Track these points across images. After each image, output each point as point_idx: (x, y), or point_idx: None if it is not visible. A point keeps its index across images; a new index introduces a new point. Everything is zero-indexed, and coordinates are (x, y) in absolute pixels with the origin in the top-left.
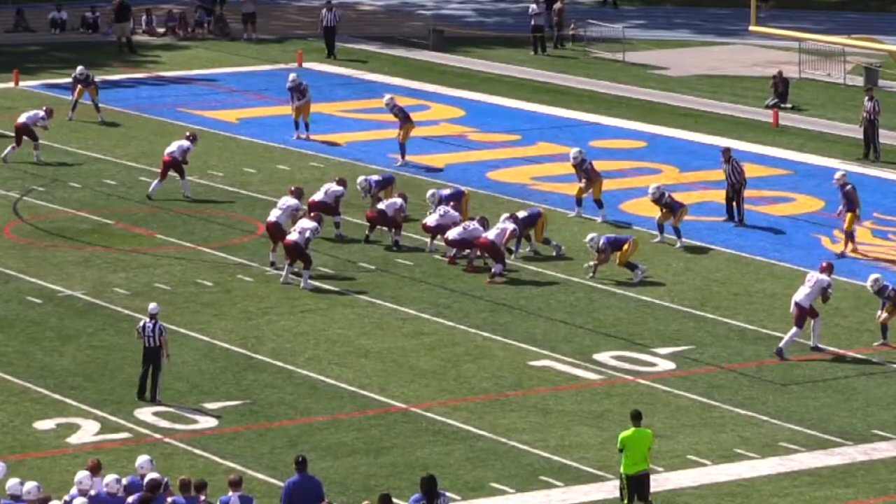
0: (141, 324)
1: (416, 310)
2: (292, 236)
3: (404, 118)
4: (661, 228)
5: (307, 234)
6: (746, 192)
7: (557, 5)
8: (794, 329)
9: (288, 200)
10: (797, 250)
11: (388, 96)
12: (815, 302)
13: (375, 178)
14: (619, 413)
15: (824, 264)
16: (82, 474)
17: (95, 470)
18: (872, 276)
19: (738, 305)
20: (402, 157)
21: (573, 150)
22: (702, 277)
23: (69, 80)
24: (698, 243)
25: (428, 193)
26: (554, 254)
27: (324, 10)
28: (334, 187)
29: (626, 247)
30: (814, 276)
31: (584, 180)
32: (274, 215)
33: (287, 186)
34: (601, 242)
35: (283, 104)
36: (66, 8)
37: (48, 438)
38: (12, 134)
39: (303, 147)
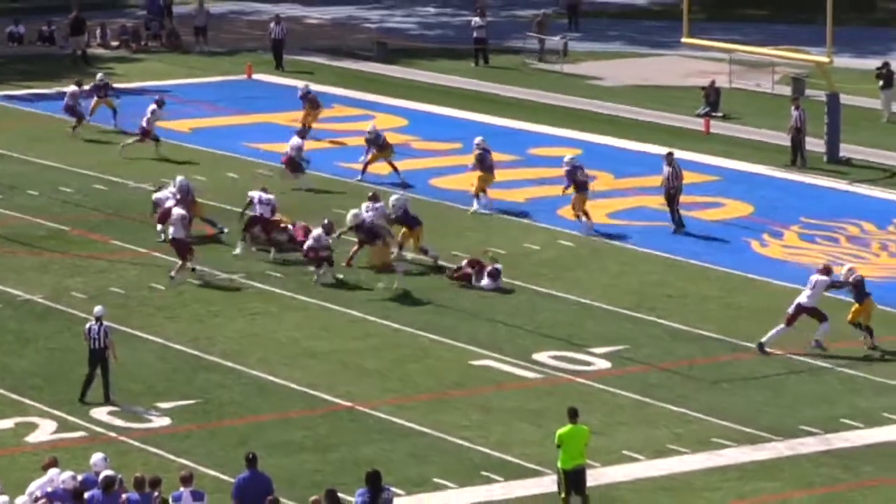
0: (87, 326)
1: (363, 312)
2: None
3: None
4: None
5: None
6: (680, 198)
7: (538, 19)
8: (781, 326)
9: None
10: (728, 254)
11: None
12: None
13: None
14: (558, 411)
15: (822, 266)
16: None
17: (51, 467)
18: (847, 266)
19: (671, 307)
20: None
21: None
22: (636, 280)
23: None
24: (632, 247)
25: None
26: (431, 262)
27: (272, 24)
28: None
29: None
30: (813, 279)
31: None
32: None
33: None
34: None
35: (233, 114)
36: (23, 22)
37: (7, 437)
38: None
39: (252, 155)
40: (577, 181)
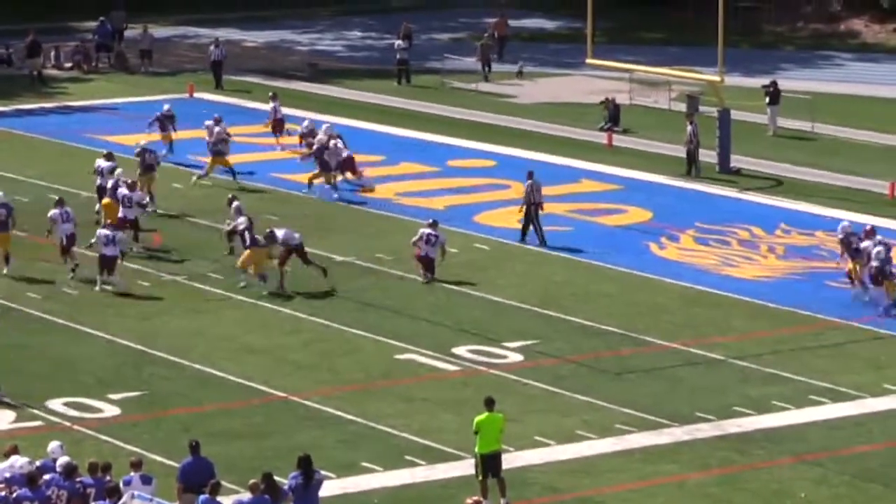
0: None
1: (294, 310)
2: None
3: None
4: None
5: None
6: (583, 205)
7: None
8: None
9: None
10: (628, 255)
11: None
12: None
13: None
14: (475, 400)
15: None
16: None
17: (11, 454)
18: (842, 223)
19: (577, 305)
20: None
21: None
22: (544, 280)
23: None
24: (541, 250)
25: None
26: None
27: (212, 47)
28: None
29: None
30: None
31: None
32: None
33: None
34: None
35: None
36: None
37: None
38: None
39: (194, 166)
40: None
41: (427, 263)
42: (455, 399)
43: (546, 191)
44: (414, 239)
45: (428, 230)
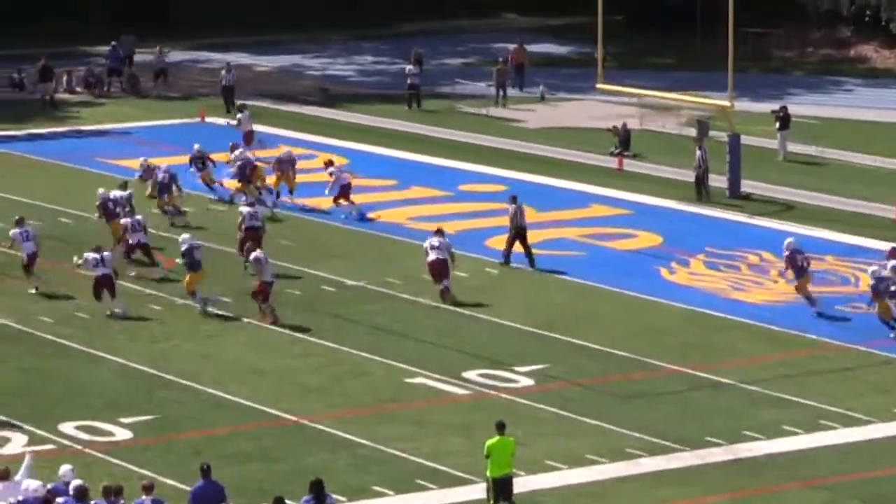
0: None
1: (305, 334)
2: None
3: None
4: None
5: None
6: (593, 230)
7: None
8: None
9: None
10: (638, 280)
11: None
12: None
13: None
14: (485, 424)
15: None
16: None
17: (5, 477)
18: (787, 240)
19: (586, 328)
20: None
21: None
22: (555, 304)
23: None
24: (553, 275)
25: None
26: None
27: (223, 72)
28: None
29: None
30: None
31: None
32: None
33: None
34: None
35: (187, 153)
36: None
37: None
38: None
39: (202, 190)
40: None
41: (441, 267)
42: (465, 423)
43: (556, 215)
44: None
45: (435, 239)
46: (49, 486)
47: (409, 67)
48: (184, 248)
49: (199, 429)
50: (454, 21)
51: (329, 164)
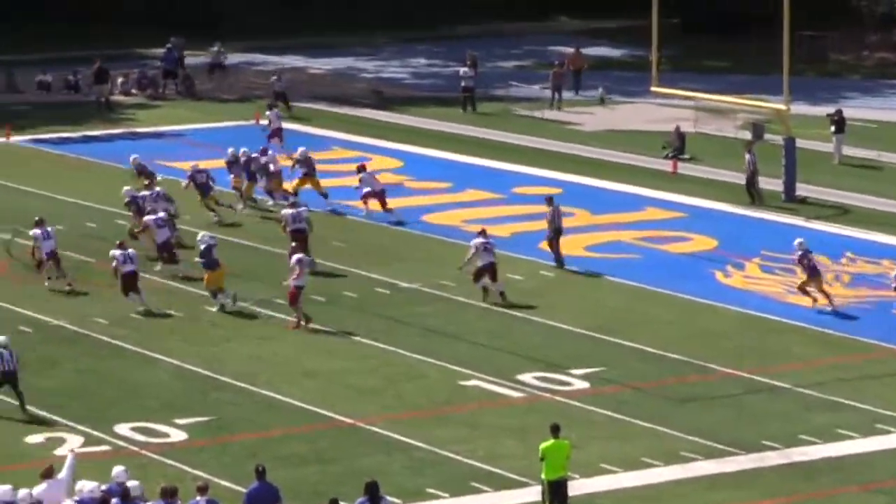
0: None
1: (359, 336)
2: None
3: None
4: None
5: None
6: (648, 233)
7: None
8: None
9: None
10: (693, 283)
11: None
12: None
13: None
14: (540, 426)
15: None
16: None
17: (49, 475)
18: (798, 240)
19: (641, 331)
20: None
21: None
22: (609, 307)
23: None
24: (608, 277)
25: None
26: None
27: (273, 78)
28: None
29: None
30: None
31: None
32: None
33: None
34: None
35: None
36: (51, 71)
37: (38, 450)
38: None
39: (260, 195)
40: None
41: (492, 271)
42: (520, 425)
43: (611, 218)
44: (469, 255)
45: (480, 239)
46: (103, 486)
47: (463, 70)
48: (202, 246)
49: (253, 430)
50: (508, 24)
51: (361, 168)
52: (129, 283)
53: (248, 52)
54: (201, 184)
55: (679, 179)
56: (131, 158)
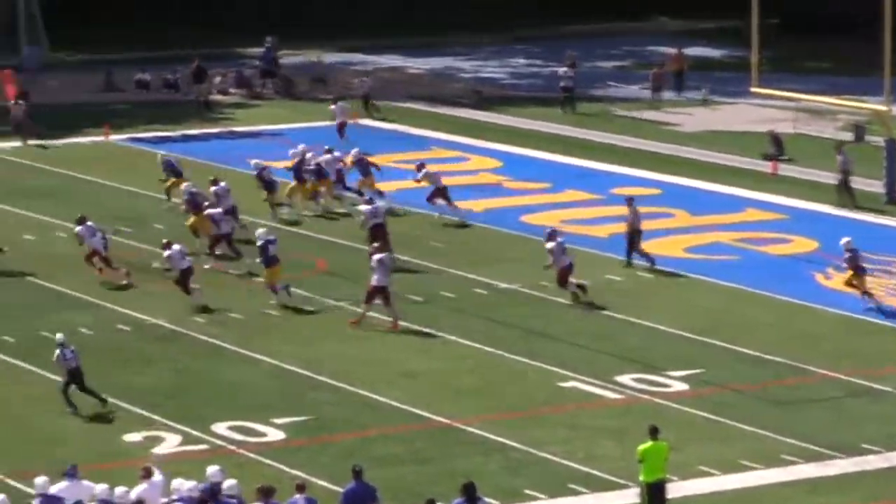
0: (58, 352)
1: (457, 336)
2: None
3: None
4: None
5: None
6: (748, 234)
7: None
8: None
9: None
10: (793, 285)
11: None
12: None
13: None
14: (638, 428)
15: None
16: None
17: (148, 476)
18: (844, 239)
19: (739, 333)
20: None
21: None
22: (707, 308)
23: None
24: (707, 279)
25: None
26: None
27: (358, 80)
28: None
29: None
30: None
31: None
32: None
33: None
34: None
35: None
36: (150, 70)
37: (136, 449)
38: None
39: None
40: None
41: (568, 272)
42: (618, 427)
43: (710, 219)
44: (549, 262)
45: (554, 243)
46: (201, 486)
47: (562, 70)
48: (259, 243)
49: (351, 430)
50: (607, 24)
51: (420, 167)
52: (187, 277)
53: (346, 52)
54: (269, 181)
55: (779, 181)
56: (159, 155)
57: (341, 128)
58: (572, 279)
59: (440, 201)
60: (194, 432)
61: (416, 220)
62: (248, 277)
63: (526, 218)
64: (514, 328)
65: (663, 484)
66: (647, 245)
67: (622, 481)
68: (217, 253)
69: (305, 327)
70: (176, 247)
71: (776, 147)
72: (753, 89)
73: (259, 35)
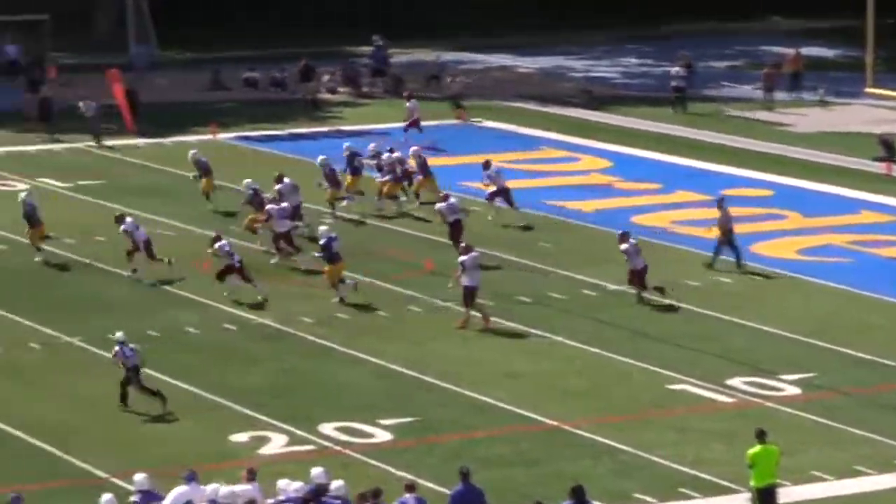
0: (116, 349)
1: (565, 337)
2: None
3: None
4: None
5: None
6: (862, 237)
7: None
8: None
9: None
10: None
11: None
12: None
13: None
14: (749, 432)
15: None
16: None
17: (251, 478)
18: None
19: (852, 337)
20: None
21: None
22: (820, 311)
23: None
24: (819, 281)
25: None
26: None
27: (448, 79)
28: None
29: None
30: None
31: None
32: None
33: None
34: None
35: (449, 155)
36: (258, 69)
37: (242, 449)
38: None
39: (467, 193)
40: None
41: (642, 273)
42: (728, 430)
43: (823, 221)
44: (630, 266)
45: (628, 244)
46: (307, 486)
47: (675, 69)
48: (322, 240)
49: (458, 431)
50: (719, 23)
51: (487, 165)
52: (231, 272)
53: (457, 51)
54: (356, 166)
55: (893, 182)
56: (190, 153)
57: (414, 124)
58: (648, 280)
59: (500, 202)
60: (300, 432)
61: (525, 220)
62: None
63: (636, 219)
64: (623, 329)
65: (774, 489)
66: (758, 247)
67: (733, 486)
68: (281, 247)
69: (412, 328)
70: (224, 241)
71: (886, 150)
72: (868, 90)
73: (367, 33)
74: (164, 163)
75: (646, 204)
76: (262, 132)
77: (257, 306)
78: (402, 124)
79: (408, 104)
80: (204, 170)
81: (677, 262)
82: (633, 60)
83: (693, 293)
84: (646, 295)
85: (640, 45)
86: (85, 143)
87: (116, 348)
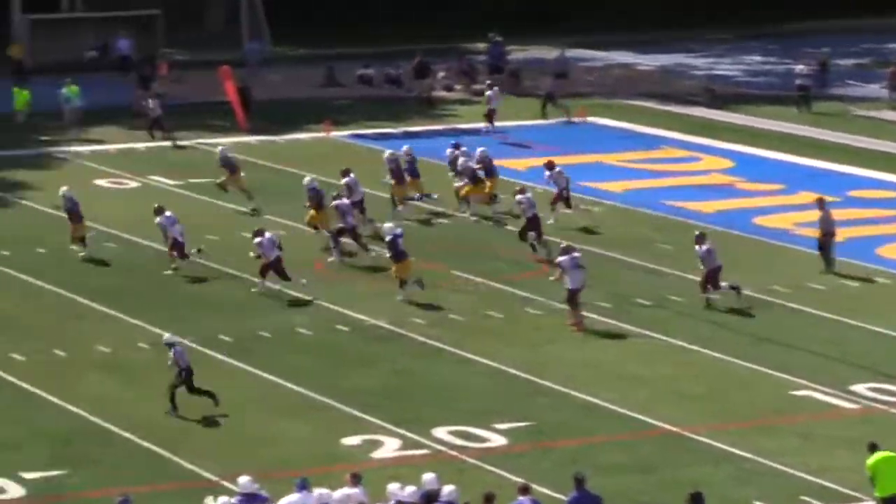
0: (171, 353)
1: (684, 341)
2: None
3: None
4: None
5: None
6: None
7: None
8: None
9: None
10: None
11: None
12: None
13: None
14: (875, 439)
15: None
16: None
17: (356, 482)
18: None
19: None
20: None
21: None
22: None
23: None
24: None
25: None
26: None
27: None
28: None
29: None
30: None
31: None
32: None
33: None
34: None
35: (571, 154)
36: (372, 66)
37: (354, 453)
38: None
39: (584, 193)
40: None
41: (717, 273)
42: (854, 438)
43: None
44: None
45: (704, 247)
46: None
47: (799, 68)
48: (388, 238)
49: (574, 436)
50: (846, 20)
51: (550, 165)
52: (272, 268)
53: (575, 48)
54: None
55: None
56: (218, 150)
57: (491, 115)
58: (724, 284)
59: (561, 206)
60: (413, 436)
61: (646, 220)
62: (379, 272)
63: (759, 220)
64: (745, 334)
65: None
66: (883, 249)
67: (858, 494)
68: (342, 241)
69: (526, 330)
70: (268, 234)
71: None
72: None
73: (482, 31)
74: (277, 161)
75: (768, 205)
76: (376, 130)
77: (373, 310)
78: (518, 123)
79: (488, 93)
80: (230, 168)
81: (799, 265)
82: (757, 58)
83: (814, 295)
84: (710, 296)
85: (763, 43)
86: (194, 141)
87: (171, 353)
